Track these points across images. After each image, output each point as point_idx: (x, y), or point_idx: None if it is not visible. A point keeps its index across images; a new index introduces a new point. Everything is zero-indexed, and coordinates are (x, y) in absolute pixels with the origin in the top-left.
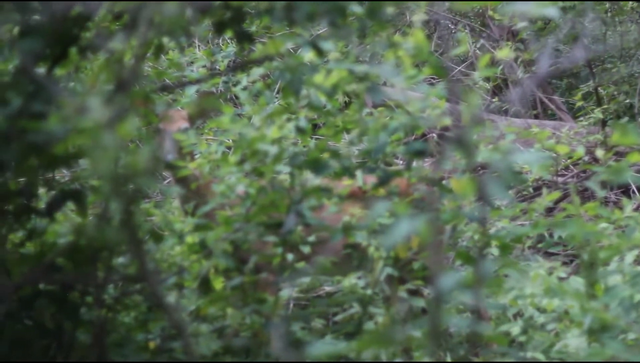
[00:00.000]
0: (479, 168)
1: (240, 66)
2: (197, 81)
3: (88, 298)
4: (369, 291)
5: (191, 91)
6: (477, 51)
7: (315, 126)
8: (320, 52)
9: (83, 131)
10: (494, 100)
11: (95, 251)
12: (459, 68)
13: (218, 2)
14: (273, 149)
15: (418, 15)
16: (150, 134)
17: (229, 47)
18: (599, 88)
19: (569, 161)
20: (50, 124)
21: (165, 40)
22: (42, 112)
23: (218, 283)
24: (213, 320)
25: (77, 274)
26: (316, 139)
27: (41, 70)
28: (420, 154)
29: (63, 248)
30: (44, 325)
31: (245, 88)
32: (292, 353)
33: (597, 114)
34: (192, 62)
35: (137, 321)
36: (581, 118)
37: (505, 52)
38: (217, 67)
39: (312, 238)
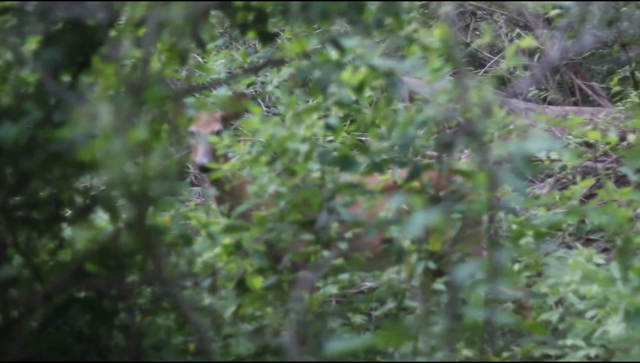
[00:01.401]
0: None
1: (275, 63)
2: (228, 82)
3: (122, 304)
4: (404, 285)
5: (221, 92)
6: (515, 40)
7: (352, 121)
8: (341, 50)
9: (94, 138)
10: (531, 89)
11: (124, 256)
12: (495, 58)
13: (240, 3)
14: (303, 148)
15: (445, 7)
16: (173, 138)
17: (261, 50)
18: (636, 72)
19: (607, 146)
20: (64, 133)
21: (189, 44)
22: (63, 121)
23: (257, 283)
24: (252, 320)
25: (109, 280)
26: (352, 133)
27: (66, 79)
28: (450, 146)
29: (92, 254)
30: (80, 331)
31: (277, 87)
32: (306, 351)
33: (634, 98)
34: (227, 64)
35: (176, 324)
36: (618, 103)
37: (527, 42)
38: (246, 67)
39: (348, 235)
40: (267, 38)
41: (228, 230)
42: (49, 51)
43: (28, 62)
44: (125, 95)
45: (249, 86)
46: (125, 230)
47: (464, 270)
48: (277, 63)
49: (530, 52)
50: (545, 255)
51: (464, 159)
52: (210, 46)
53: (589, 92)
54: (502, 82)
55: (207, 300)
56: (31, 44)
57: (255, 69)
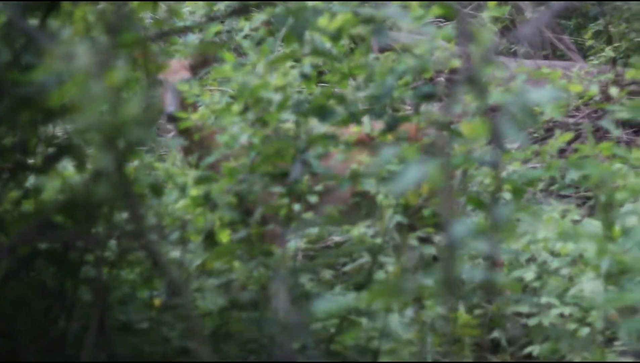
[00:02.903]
0: (490, 110)
1: (241, 12)
2: (199, 29)
3: (89, 257)
4: (378, 240)
5: (192, 39)
6: None
7: (320, 73)
8: None
9: (70, 80)
10: (502, 41)
11: (93, 207)
12: (466, 10)
13: None
14: (277, 97)
15: None
16: (145, 84)
17: None
18: (610, 26)
19: (579, 101)
20: (38, 75)
21: None
22: (32, 64)
23: (224, 236)
24: (219, 274)
25: (76, 231)
26: (322, 85)
27: (34, 22)
28: (429, 97)
29: (60, 205)
30: (45, 284)
31: (247, 36)
32: (297, 308)
33: (608, 52)
34: (193, 12)
35: (142, 277)
36: (592, 58)
37: None
38: (219, 15)
39: (319, 188)
40: None
41: (198, 181)
42: None
43: None
44: (101, 37)
45: (216, 34)
46: (95, 180)
47: (460, 228)
48: (244, 12)
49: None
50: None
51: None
52: None
53: (561, 46)
54: None
55: (174, 253)
56: None
57: (221, 17)
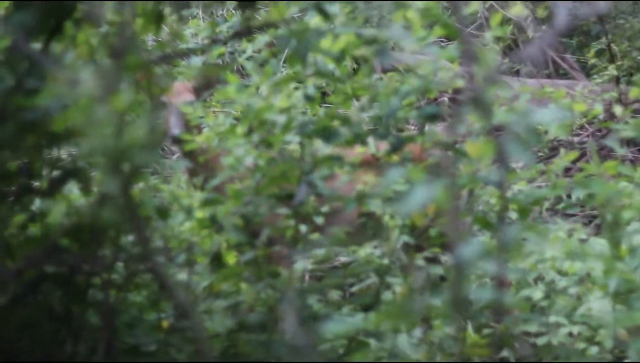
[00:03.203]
0: (494, 130)
1: (244, 34)
2: (202, 52)
3: (96, 280)
4: (385, 261)
5: (195, 62)
6: (486, 12)
7: (324, 94)
8: (326, 16)
9: (75, 105)
10: (504, 61)
11: (99, 230)
12: (468, 29)
13: None
14: (281, 119)
15: None
16: (149, 107)
17: (233, 18)
18: (612, 45)
19: (584, 119)
20: (42, 100)
21: (166, 10)
22: (36, 88)
23: (231, 258)
24: (227, 296)
25: (82, 255)
26: (325, 107)
27: (37, 45)
28: (433, 118)
29: (66, 229)
30: (52, 308)
31: (250, 57)
32: (306, 330)
33: (611, 71)
34: (196, 34)
35: (149, 300)
36: (595, 76)
37: (518, 9)
38: (222, 37)
39: (325, 209)
40: (246, 5)
41: (204, 203)
42: (20, 14)
43: None
44: (105, 60)
45: (219, 56)
46: (101, 203)
47: (469, 249)
48: (247, 34)
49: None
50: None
51: (439, 130)
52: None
53: (564, 65)
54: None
55: (181, 275)
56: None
57: (224, 39)
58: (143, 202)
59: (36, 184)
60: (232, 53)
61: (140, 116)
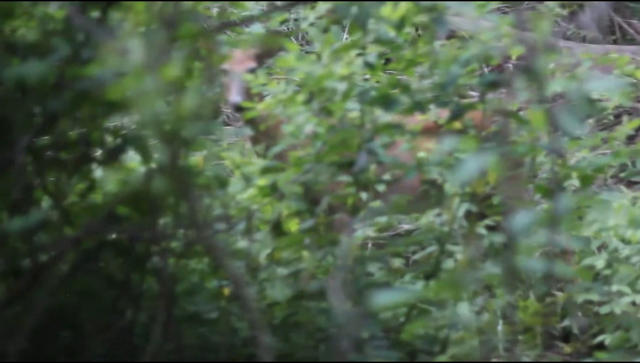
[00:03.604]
0: (557, 97)
1: (302, 0)
2: (263, 19)
3: (155, 248)
4: (445, 229)
5: (256, 29)
6: None
7: (387, 60)
8: None
9: (125, 75)
10: (570, 26)
11: (157, 199)
12: None
13: None
14: (341, 86)
15: None
16: (205, 76)
17: None
18: None
19: None
20: (93, 70)
21: None
22: (91, 59)
23: (293, 226)
24: (288, 264)
25: (141, 223)
26: (388, 74)
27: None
28: (495, 85)
29: (125, 197)
30: (112, 276)
31: (312, 25)
32: (360, 298)
33: None
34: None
35: (210, 267)
36: None
37: None
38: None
39: (387, 176)
40: None
41: (264, 171)
42: None
43: None
44: (158, 30)
45: (282, 23)
46: (157, 172)
47: (522, 219)
48: (305, 1)
49: None
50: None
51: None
52: None
53: (630, 30)
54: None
55: (241, 243)
56: None
57: (288, 6)
58: (201, 171)
59: (96, 153)
60: (295, 20)
61: (194, 85)
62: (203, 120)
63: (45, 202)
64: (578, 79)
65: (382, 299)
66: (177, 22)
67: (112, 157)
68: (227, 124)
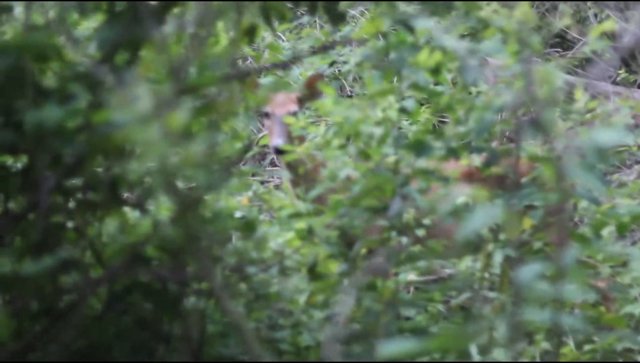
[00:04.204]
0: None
1: (334, 45)
2: (299, 61)
3: (188, 290)
4: (478, 275)
5: (297, 73)
6: (604, 20)
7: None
8: (411, 30)
9: (127, 123)
10: (620, 72)
11: (190, 241)
12: (583, 41)
13: None
14: (377, 131)
15: None
16: (211, 126)
17: (345, 28)
18: None
19: None
20: (101, 116)
21: (257, 21)
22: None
23: (332, 269)
24: (325, 307)
25: (171, 265)
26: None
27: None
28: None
29: (155, 239)
30: (143, 317)
31: (356, 66)
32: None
33: None
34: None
35: (247, 309)
36: None
37: (609, 25)
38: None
39: (426, 221)
40: (337, 18)
41: (293, 215)
42: (107, 29)
43: (79, 42)
44: (167, 79)
45: (331, 65)
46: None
47: (529, 270)
48: (346, 43)
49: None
50: (631, 245)
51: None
52: (283, 26)
53: None
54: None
55: (276, 286)
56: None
57: (324, 48)
58: (231, 215)
59: (127, 195)
60: (345, 63)
61: (202, 134)
62: (212, 170)
63: (74, 243)
64: (586, 131)
65: (388, 349)
66: (186, 70)
67: (142, 201)
68: (275, 165)
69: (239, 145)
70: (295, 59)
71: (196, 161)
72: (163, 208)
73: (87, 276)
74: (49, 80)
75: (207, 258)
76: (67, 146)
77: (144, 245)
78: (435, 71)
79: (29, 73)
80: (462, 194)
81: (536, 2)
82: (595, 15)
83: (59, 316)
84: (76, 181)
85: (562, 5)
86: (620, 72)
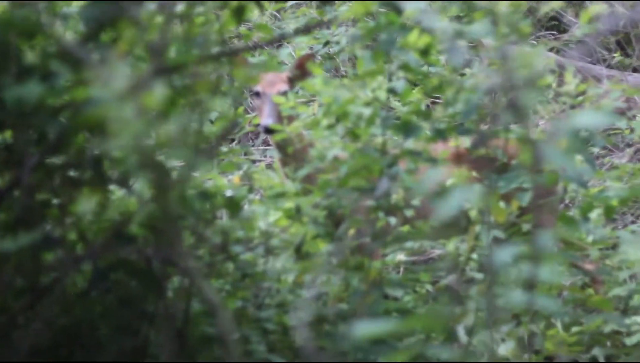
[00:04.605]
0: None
1: (316, 27)
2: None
3: (172, 269)
4: (469, 256)
5: (288, 52)
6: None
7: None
8: (398, 12)
9: (103, 100)
10: (615, 55)
11: (174, 219)
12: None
13: None
14: (366, 111)
15: None
16: (190, 105)
17: (341, 8)
18: None
19: None
20: (78, 94)
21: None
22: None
23: (317, 248)
24: (311, 287)
25: (157, 244)
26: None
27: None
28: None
29: (140, 217)
30: (127, 295)
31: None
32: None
33: None
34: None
35: (233, 288)
36: None
37: (597, 9)
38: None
39: (415, 202)
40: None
41: (279, 195)
42: (92, 6)
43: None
44: (146, 58)
45: (325, 44)
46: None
47: (505, 253)
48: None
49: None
50: (622, 228)
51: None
52: (279, 5)
53: None
54: (587, 49)
55: (262, 265)
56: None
57: (307, 29)
58: (216, 194)
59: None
60: (327, 44)
61: (178, 113)
62: (182, 149)
63: (58, 221)
64: (564, 116)
65: (364, 329)
66: (164, 49)
67: (128, 177)
68: (268, 144)
69: (223, 124)
70: (281, 38)
71: (173, 140)
72: (149, 185)
73: (69, 254)
74: (33, 57)
75: (180, 238)
76: (49, 123)
77: (127, 222)
78: (425, 52)
79: (13, 49)
80: (443, 175)
81: None
82: None
83: (42, 293)
84: (60, 159)
85: None
86: (615, 55)
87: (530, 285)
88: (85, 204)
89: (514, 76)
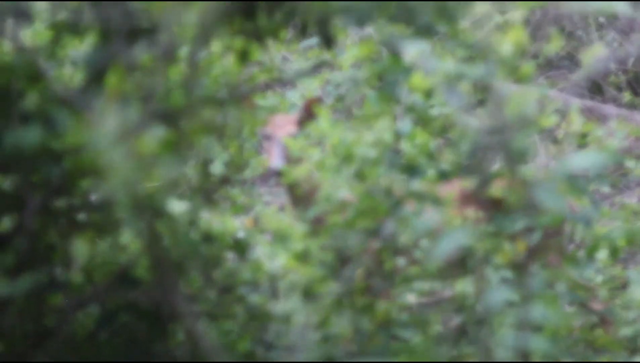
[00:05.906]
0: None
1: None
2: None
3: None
4: (473, 297)
5: (297, 95)
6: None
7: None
8: (396, 54)
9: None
10: (625, 94)
11: (169, 264)
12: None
13: (302, 3)
14: (372, 153)
15: (518, 13)
16: (188, 149)
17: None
18: None
19: None
20: (69, 139)
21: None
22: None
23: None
24: (320, 328)
25: (164, 286)
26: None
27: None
28: (523, 155)
29: (146, 260)
30: (135, 337)
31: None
32: None
33: None
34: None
35: (241, 330)
36: None
37: (599, 49)
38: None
39: (424, 243)
40: (328, 41)
41: (284, 237)
42: (96, 51)
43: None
44: (138, 102)
45: (337, 86)
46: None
47: (497, 294)
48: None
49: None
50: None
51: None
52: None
53: None
54: (598, 88)
55: (271, 306)
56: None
57: (314, 71)
58: (220, 237)
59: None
60: (338, 85)
61: (169, 158)
62: (188, 191)
63: (64, 264)
64: (560, 156)
65: None
66: (155, 94)
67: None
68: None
69: (229, 167)
70: (287, 81)
71: (170, 184)
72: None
73: (75, 296)
74: (34, 101)
75: (177, 282)
76: (52, 167)
77: (133, 265)
78: (429, 93)
79: (14, 94)
80: (442, 216)
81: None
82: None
83: (47, 334)
84: (64, 202)
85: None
86: (625, 94)
87: (522, 326)
88: (84, 248)
89: (504, 117)
